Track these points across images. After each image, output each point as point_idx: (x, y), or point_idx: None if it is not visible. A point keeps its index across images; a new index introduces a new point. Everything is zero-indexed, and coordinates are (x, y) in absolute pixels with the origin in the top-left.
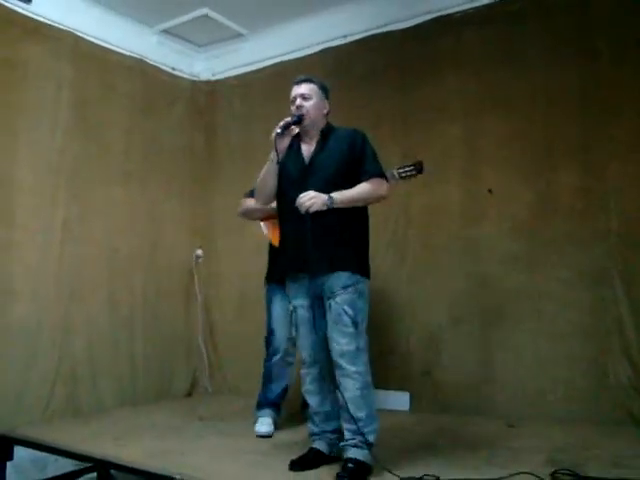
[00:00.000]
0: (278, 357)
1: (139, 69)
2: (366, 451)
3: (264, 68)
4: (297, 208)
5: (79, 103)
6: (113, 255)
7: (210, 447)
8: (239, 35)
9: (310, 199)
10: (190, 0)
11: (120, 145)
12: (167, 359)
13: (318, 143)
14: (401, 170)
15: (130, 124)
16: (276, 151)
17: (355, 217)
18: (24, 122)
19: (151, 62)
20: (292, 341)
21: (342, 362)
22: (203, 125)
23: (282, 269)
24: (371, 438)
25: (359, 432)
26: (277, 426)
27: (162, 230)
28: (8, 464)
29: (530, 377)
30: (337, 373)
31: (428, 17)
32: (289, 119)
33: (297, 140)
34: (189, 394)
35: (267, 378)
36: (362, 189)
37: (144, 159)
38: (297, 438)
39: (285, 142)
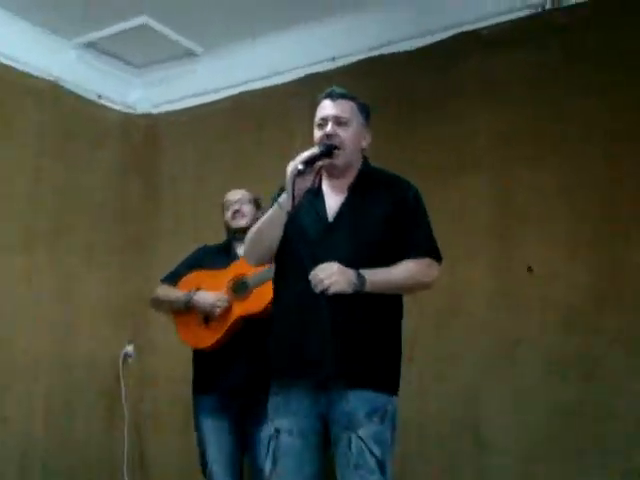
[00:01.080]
0: None
1: (51, 95)
2: None
3: (224, 99)
4: (308, 283)
5: None
6: (8, 348)
7: None
8: (190, 54)
9: (331, 275)
10: (125, 5)
11: (24, 197)
12: None
13: (352, 191)
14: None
15: (39, 168)
16: (292, 195)
17: (389, 308)
18: None
19: (68, 86)
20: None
21: None
22: (140, 172)
23: (274, 365)
24: None
25: None
26: None
27: (78, 316)
28: None
29: None
30: None
31: (444, 35)
32: (316, 150)
33: (319, 183)
34: None
35: None
36: (406, 271)
37: (56, 217)
38: None
39: (307, 182)
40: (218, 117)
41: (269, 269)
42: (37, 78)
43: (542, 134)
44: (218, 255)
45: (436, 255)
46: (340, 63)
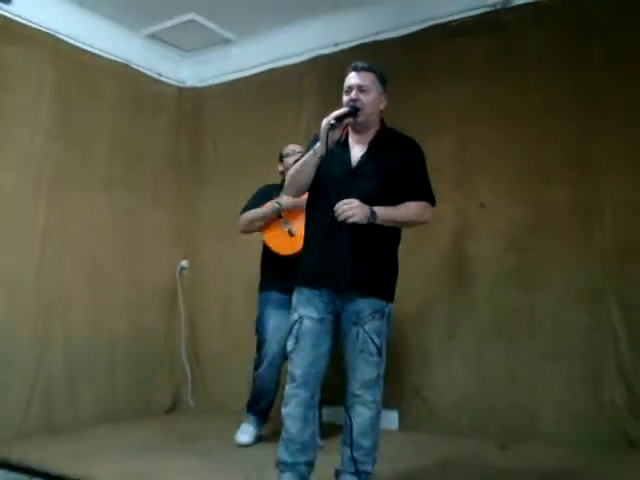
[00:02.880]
0: (268, 367)
1: (124, 74)
2: None
3: (252, 75)
4: (332, 214)
5: (61, 107)
6: (94, 265)
7: (190, 467)
8: (227, 41)
9: (352, 208)
10: (176, 4)
11: (104, 151)
12: (148, 374)
13: (371, 145)
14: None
15: (114, 130)
16: (325, 144)
17: (391, 238)
18: (5, 126)
19: (137, 67)
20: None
21: (361, 391)
22: (189, 133)
23: (298, 277)
24: (369, 468)
25: (360, 460)
26: (261, 438)
27: (146, 239)
28: None
29: (523, 397)
30: (352, 400)
31: (422, 26)
32: (345, 110)
33: (346, 137)
34: (171, 410)
35: (256, 387)
36: (408, 210)
37: (128, 166)
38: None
39: (336, 135)
40: (248, 90)
41: None
42: (113, 61)
43: (494, 101)
44: (278, 192)
45: (432, 200)
46: (340, 47)
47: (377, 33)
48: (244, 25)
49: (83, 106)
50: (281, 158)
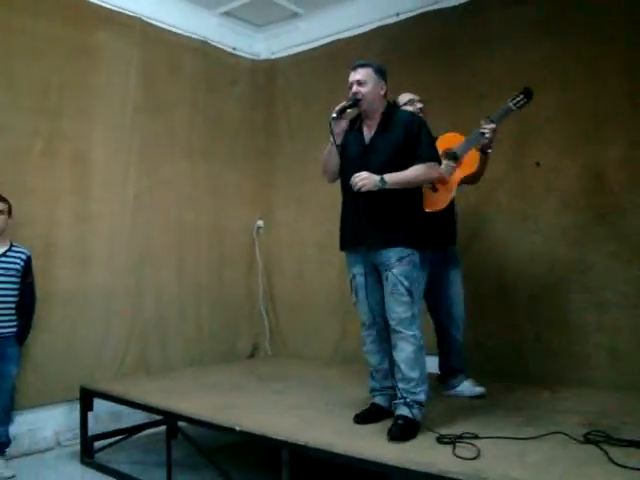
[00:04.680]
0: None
1: (202, 50)
2: (416, 409)
3: (320, 47)
4: (351, 187)
5: (147, 84)
6: (180, 225)
7: (268, 404)
8: (295, 15)
9: (362, 180)
10: None
11: (185, 122)
12: (231, 323)
13: (378, 126)
14: (514, 101)
15: (195, 102)
16: (332, 134)
17: (406, 196)
18: (98, 103)
19: (213, 43)
20: None
21: (399, 327)
22: (263, 102)
23: (341, 243)
24: (421, 397)
25: (411, 391)
26: None
27: (225, 201)
28: (88, 414)
29: (576, 345)
30: (393, 337)
31: None
32: (345, 103)
33: (360, 122)
34: (251, 356)
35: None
36: (414, 171)
37: (208, 135)
38: (347, 399)
39: (342, 125)
40: (316, 60)
41: (466, 141)
42: (192, 39)
43: (547, 65)
44: None
45: (436, 159)
46: (401, 17)
47: (436, 2)
48: (310, 0)
49: (166, 81)
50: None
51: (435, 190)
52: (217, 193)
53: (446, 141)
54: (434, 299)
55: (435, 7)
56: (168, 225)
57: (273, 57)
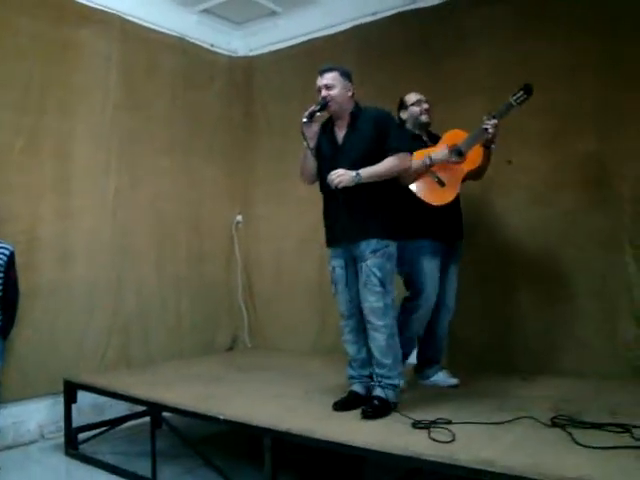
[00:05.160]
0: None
1: (181, 47)
2: (390, 391)
3: (298, 44)
4: (328, 184)
5: (127, 80)
6: (160, 219)
7: (250, 393)
8: (274, 13)
9: (339, 176)
10: None
11: (164, 118)
12: (210, 316)
13: (349, 125)
14: (515, 97)
15: (173, 98)
16: (304, 138)
17: (382, 189)
18: (79, 100)
19: (192, 40)
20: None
21: (371, 318)
22: (241, 98)
23: (326, 239)
24: (395, 381)
25: (385, 375)
26: None
27: (205, 196)
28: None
29: (544, 334)
30: (367, 326)
31: None
32: (313, 107)
33: (331, 124)
34: (230, 348)
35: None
36: (386, 163)
37: (187, 130)
38: (326, 387)
39: (313, 128)
40: (294, 58)
41: (470, 137)
42: (171, 36)
43: (520, 64)
44: (412, 143)
45: (405, 149)
46: (379, 16)
47: (414, 2)
48: None
49: (145, 78)
50: (404, 107)
51: (442, 185)
52: (196, 188)
53: (450, 137)
54: None
55: (413, 7)
56: (148, 220)
57: (251, 54)
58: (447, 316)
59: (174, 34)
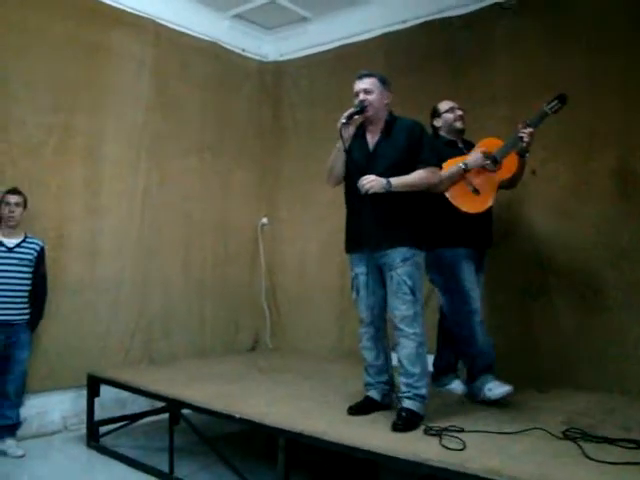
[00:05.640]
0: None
1: (213, 51)
2: (419, 403)
3: (328, 50)
4: (359, 190)
5: (159, 83)
6: (187, 220)
7: (267, 393)
8: (304, 19)
9: (370, 182)
10: None
11: (195, 120)
12: (233, 316)
13: (382, 132)
14: (550, 106)
15: (204, 101)
16: (342, 139)
17: (411, 199)
18: (111, 101)
19: (223, 44)
20: None
21: (402, 325)
22: (271, 102)
23: (346, 244)
24: (423, 391)
25: (413, 386)
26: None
27: (232, 198)
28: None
29: (563, 347)
30: (396, 334)
31: (484, 4)
32: (353, 109)
33: (363, 129)
34: (252, 349)
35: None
36: (416, 175)
37: (217, 132)
38: (343, 392)
39: (350, 131)
40: (323, 63)
41: (505, 145)
42: (203, 40)
43: (546, 76)
44: (447, 149)
45: (437, 165)
46: (408, 24)
47: (441, 11)
48: (319, 5)
49: (177, 81)
50: (438, 114)
51: (477, 193)
52: (224, 190)
53: (485, 145)
54: None
55: (440, 16)
56: (176, 220)
57: (281, 59)
58: (475, 320)
59: (206, 38)
